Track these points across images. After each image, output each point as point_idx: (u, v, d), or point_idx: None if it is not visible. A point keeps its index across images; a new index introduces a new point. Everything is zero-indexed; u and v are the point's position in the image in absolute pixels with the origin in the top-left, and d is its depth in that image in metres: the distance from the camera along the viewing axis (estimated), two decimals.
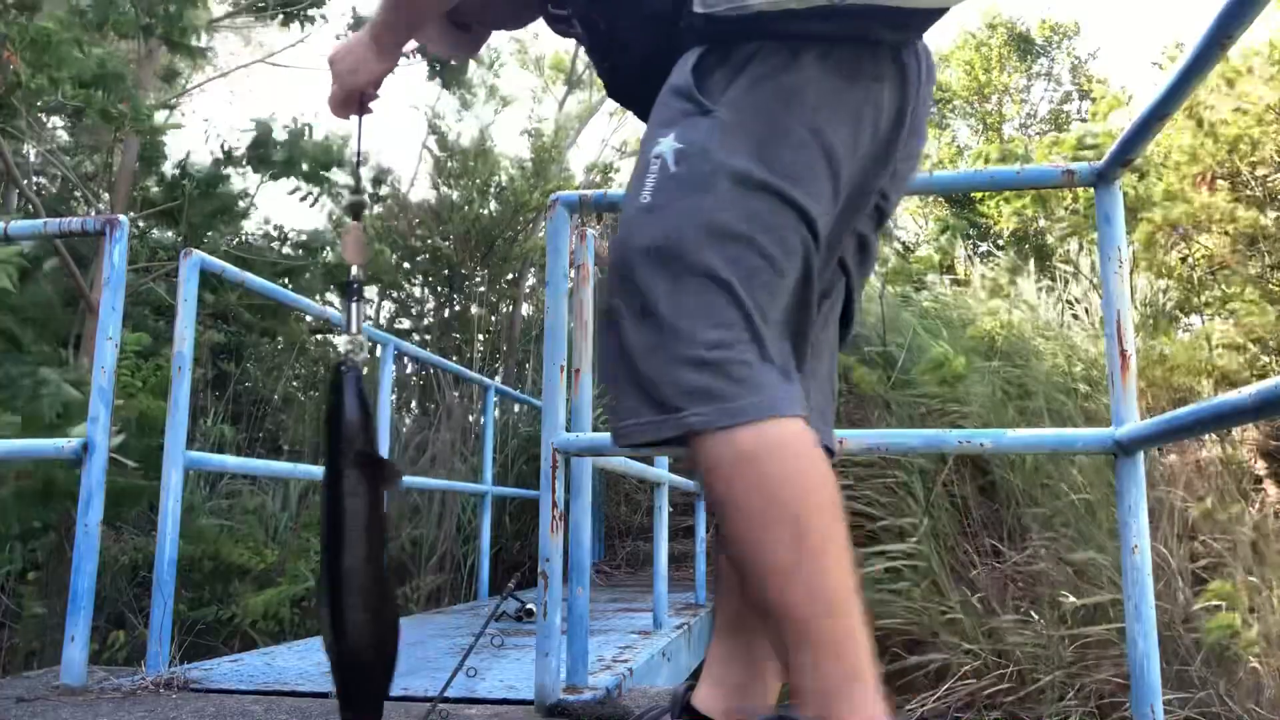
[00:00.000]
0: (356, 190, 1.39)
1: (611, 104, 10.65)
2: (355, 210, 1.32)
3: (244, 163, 5.78)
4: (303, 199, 5.94)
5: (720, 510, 0.95)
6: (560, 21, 1.27)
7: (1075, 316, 5.39)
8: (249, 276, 2.80)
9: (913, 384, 4.86)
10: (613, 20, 1.17)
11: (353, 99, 1.31)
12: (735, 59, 1.04)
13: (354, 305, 1.22)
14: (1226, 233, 5.27)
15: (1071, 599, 3.42)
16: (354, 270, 1.25)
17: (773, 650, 1.03)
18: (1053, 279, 5.86)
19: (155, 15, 4.93)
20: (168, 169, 6.01)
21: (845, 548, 0.93)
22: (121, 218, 2.30)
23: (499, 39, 10.17)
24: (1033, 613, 3.64)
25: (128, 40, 5.26)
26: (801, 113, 1.01)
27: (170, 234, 6.28)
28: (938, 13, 1.08)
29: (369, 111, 1.34)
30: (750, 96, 1.02)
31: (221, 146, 5.79)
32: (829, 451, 1.19)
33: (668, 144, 1.02)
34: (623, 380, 0.98)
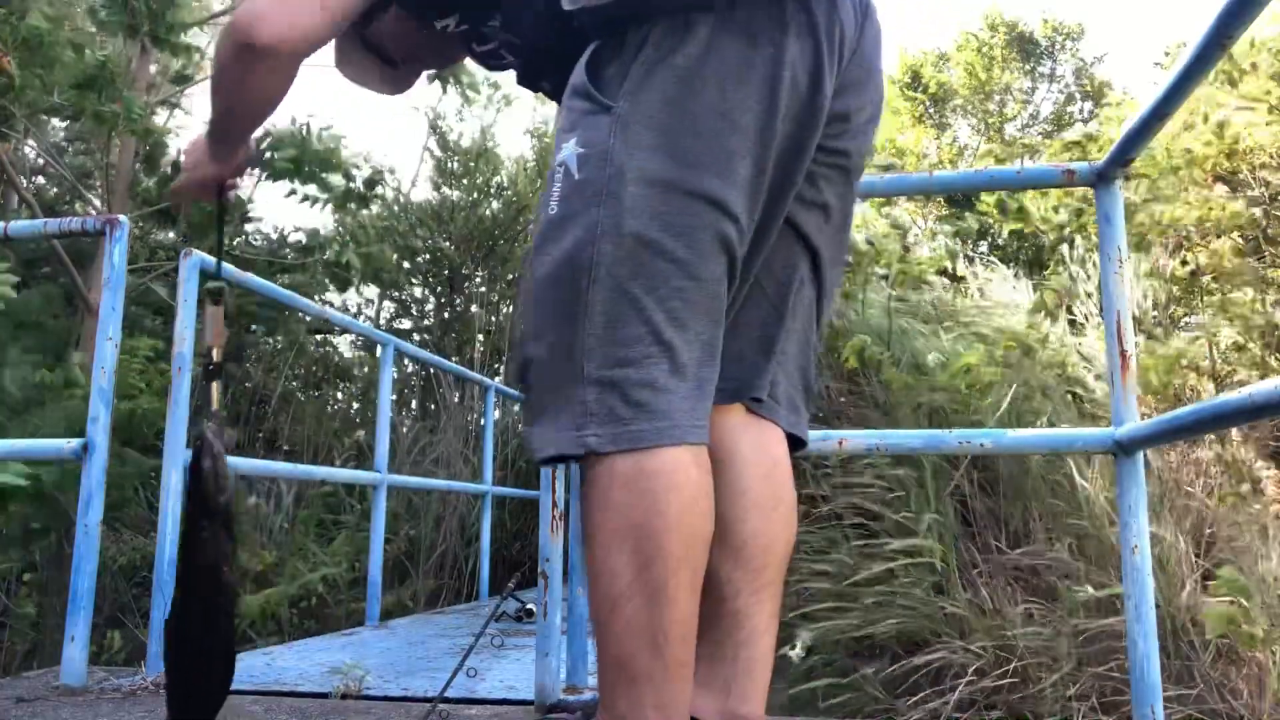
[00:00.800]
0: (217, 275, 1.50)
1: None
2: (214, 295, 1.41)
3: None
4: (302, 200, 5.94)
5: (584, 525, 0.95)
6: (489, 57, 1.25)
7: (1072, 321, 5.39)
8: (249, 277, 2.80)
9: (915, 388, 4.85)
10: (532, 39, 1.14)
11: (205, 189, 1.36)
12: (628, 47, 0.98)
13: (213, 386, 1.33)
14: (1226, 234, 5.27)
15: (1088, 589, 3.42)
16: (214, 353, 1.34)
17: (753, 642, 1.08)
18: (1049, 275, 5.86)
19: (139, 13, 4.92)
20: (167, 169, 6.01)
21: (691, 586, 0.92)
22: (122, 218, 2.30)
23: None
24: (1033, 610, 3.64)
25: (123, 40, 5.26)
26: (704, 93, 0.95)
27: (171, 234, 6.29)
28: None
29: (225, 197, 1.38)
30: (647, 86, 0.96)
31: None
32: (798, 442, 1.18)
33: (570, 149, 0.98)
34: (533, 393, 0.96)
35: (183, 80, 6.29)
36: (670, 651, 0.90)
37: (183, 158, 1.35)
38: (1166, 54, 8.34)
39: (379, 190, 6.48)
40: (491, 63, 1.27)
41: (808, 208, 1.09)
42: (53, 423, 4.35)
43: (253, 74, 1.13)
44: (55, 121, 6.47)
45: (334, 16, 1.11)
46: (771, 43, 0.96)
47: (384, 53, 1.33)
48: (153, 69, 6.25)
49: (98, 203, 6.05)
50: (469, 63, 1.49)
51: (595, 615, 0.94)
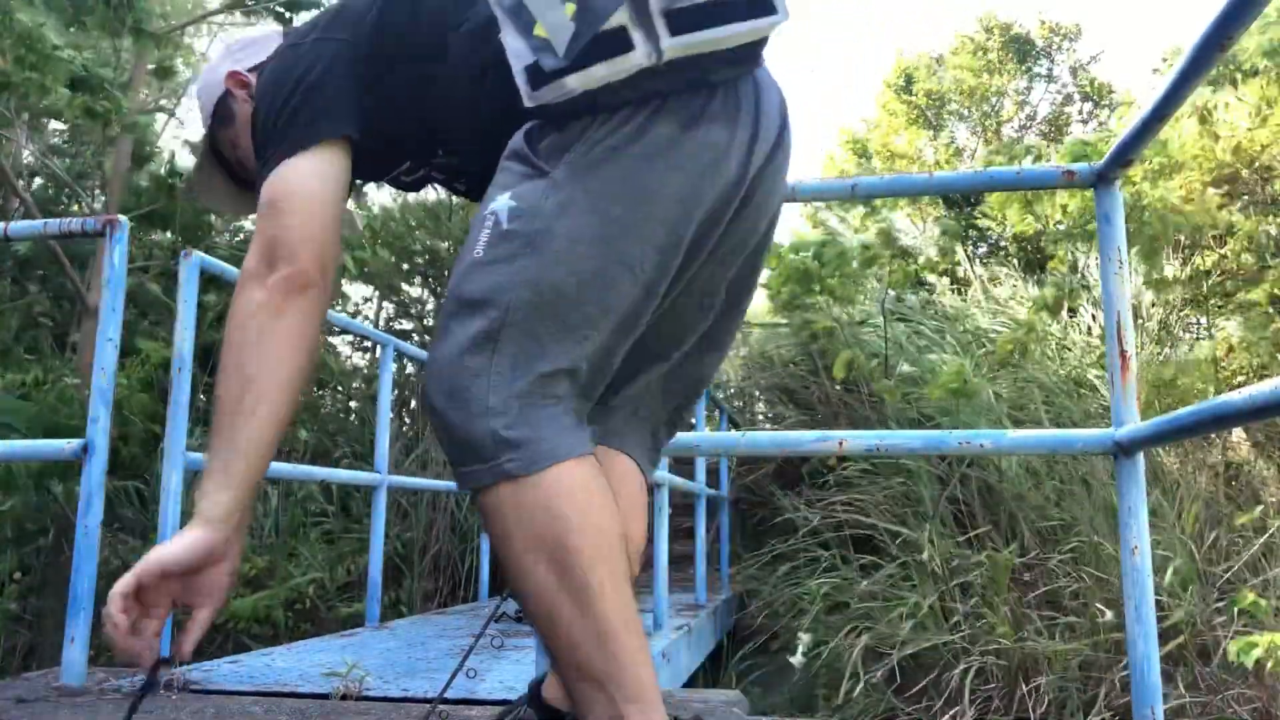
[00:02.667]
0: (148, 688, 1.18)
1: None
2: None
3: None
4: None
5: (497, 545, 1.02)
6: (415, 185, 1.30)
7: (1073, 314, 5.40)
8: None
9: (914, 396, 4.86)
10: (465, 155, 1.21)
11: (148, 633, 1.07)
12: (571, 127, 1.07)
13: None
14: (1224, 239, 5.27)
15: (1103, 610, 3.42)
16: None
17: None
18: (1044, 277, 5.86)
19: (115, 6, 4.90)
20: (160, 169, 6.00)
21: (616, 579, 0.99)
22: (122, 218, 2.30)
23: None
24: (1036, 615, 3.64)
25: (117, 39, 5.26)
26: (635, 170, 1.05)
27: (169, 234, 6.28)
28: (763, 42, 1.10)
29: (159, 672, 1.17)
30: (586, 159, 1.05)
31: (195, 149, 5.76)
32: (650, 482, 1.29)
33: (503, 202, 1.05)
34: (445, 421, 1.01)
35: (166, 74, 6.26)
36: (617, 644, 0.96)
37: (116, 617, 1.02)
38: (1164, 60, 8.35)
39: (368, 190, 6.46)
40: (417, 186, 1.32)
41: (726, 267, 1.22)
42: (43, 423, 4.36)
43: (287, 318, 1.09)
44: (56, 124, 6.47)
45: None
46: (704, 127, 1.06)
47: (235, 171, 1.33)
48: (150, 68, 6.25)
49: (97, 206, 6.05)
50: None
51: (541, 635, 1.01)
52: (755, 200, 1.16)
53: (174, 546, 1.04)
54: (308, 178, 1.11)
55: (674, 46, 1.02)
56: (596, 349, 1.06)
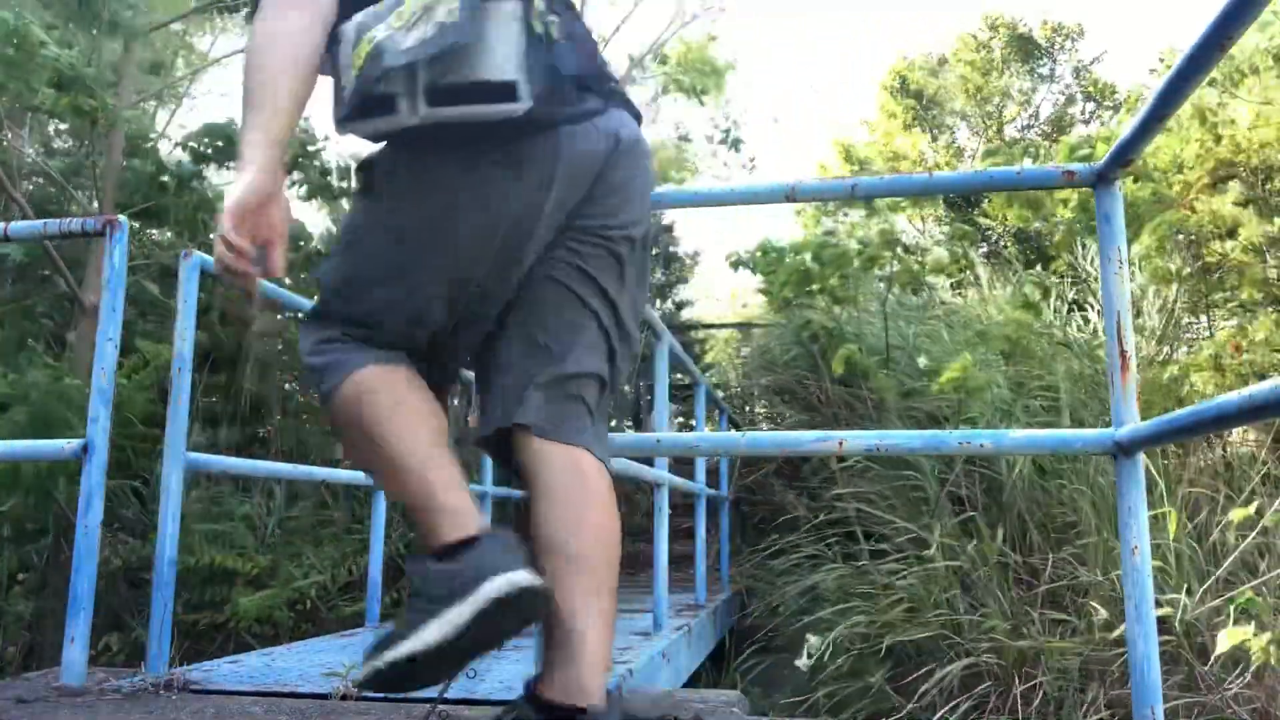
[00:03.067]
0: None
1: None
2: None
3: (209, 161, 5.73)
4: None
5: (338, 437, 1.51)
6: None
7: (1084, 317, 5.39)
8: None
9: (919, 393, 4.85)
10: None
11: (267, 225, 1.33)
12: (380, 159, 1.39)
13: None
14: (1231, 237, 5.27)
15: (1102, 612, 3.42)
16: None
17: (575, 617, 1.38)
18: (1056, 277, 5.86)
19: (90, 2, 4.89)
20: (150, 165, 5.98)
21: (406, 440, 1.33)
22: (121, 218, 2.30)
23: None
24: (1034, 613, 3.64)
25: (92, 33, 5.24)
26: (414, 199, 1.36)
27: (168, 233, 6.28)
28: (525, 118, 1.30)
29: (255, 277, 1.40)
30: (386, 185, 1.38)
31: (185, 146, 5.75)
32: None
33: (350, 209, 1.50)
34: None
35: (156, 70, 6.25)
36: (423, 480, 1.32)
37: (231, 215, 1.28)
38: (1161, 60, 8.35)
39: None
40: None
41: (545, 280, 1.44)
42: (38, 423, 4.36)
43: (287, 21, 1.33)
44: (55, 125, 6.47)
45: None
46: (478, 172, 1.33)
47: None
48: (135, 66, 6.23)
49: (93, 205, 6.04)
50: None
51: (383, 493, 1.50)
52: (571, 225, 1.41)
53: (241, 189, 1.28)
54: None
55: (429, 115, 1.26)
56: (380, 318, 1.38)
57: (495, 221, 1.35)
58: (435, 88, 1.26)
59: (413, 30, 1.26)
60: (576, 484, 1.38)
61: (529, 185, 1.34)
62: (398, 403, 1.35)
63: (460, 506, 1.32)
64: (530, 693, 1.44)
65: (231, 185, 1.34)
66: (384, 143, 1.37)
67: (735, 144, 11.28)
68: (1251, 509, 3.39)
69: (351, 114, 1.29)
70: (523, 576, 1.25)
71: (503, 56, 1.28)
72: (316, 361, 1.39)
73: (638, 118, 1.50)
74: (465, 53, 1.26)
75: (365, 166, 1.40)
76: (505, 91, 1.27)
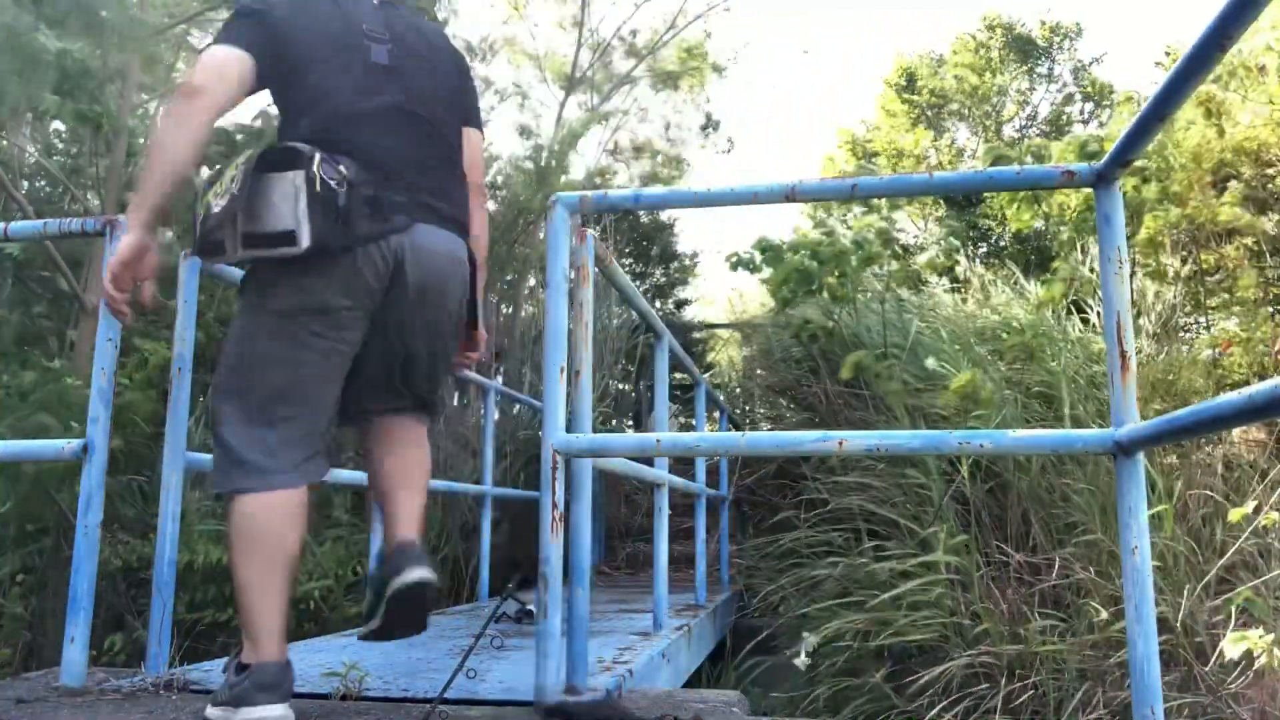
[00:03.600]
0: None
1: (610, 107, 10.65)
2: None
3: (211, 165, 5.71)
4: None
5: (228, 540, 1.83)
6: None
7: (1086, 320, 5.39)
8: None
9: (921, 392, 4.84)
10: None
11: (138, 264, 1.84)
12: (246, 278, 1.95)
13: None
14: (1233, 238, 5.26)
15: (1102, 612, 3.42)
16: None
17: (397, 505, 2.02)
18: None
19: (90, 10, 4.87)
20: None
21: (253, 566, 1.78)
22: (121, 218, 2.29)
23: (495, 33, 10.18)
24: (1034, 614, 3.64)
25: (91, 36, 5.23)
26: (264, 308, 1.87)
27: (168, 233, 6.27)
28: (310, 250, 1.75)
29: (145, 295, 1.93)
30: (245, 300, 1.92)
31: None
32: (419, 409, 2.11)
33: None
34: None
35: (151, 65, 6.23)
36: (251, 610, 1.78)
37: (113, 262, 1.83)
38: (1167, 53, 8.34)
39: None
40: None
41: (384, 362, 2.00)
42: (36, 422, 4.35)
43: (189, 113, 1.81)
44: (54, 126, 6.45)
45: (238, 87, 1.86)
46: (305, 280, 1.83)
47: None
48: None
49: (94, 204, 6.04)
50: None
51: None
52: (395, 313, 1.91)
53: (124, 248, 1.81)
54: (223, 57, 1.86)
55: (244, 255, 1.77)
56: (259, 410, 1.84)
57: (320, 321, 1.87)
58: (243, 235, 1.76)
59: (220, 199, 1.76)
60: (405, 438, 2.09)
61: (354, 291, 1.86)
62: (265, 538, 1.80)
63: (262, 637, 1.78)
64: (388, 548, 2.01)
65: (118, 243, 1.83)
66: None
67: (714, 125, 11.50)
68: (1248, 508, 3.39)
69: (200, 251, 1.83)
70: (265, 712, 1.72)
71: (284, 213, 1.73)
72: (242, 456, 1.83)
73: (454, 222, 2.00)
74: (255, 211, 1.74)
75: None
76: (287, 238, 1.73)
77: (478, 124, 2.20)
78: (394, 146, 1.89)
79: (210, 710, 1.78)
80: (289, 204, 1.72)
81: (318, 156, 1.75)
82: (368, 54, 1.93)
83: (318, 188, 1.73)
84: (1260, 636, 2.82)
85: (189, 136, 1.79)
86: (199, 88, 1.79)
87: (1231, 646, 2.86)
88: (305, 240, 1.72)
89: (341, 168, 1.79)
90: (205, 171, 1.90)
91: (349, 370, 1.92)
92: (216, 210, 1.75)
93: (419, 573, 1.85)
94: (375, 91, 1.91)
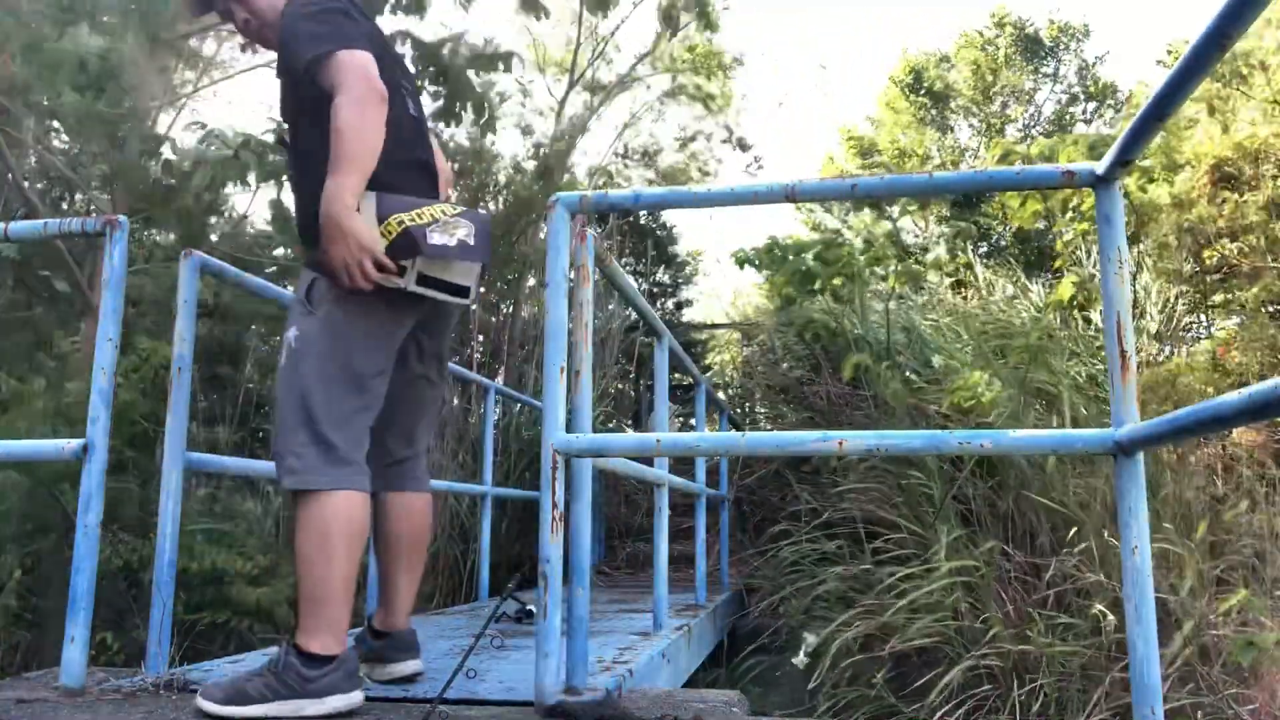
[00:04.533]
0: None
1: (611, 107, 10.64)
2: None
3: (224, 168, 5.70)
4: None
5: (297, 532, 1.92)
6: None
7: (1089, 320, 5.38)
8: (249, 277, 2.80)
9: (922, 391, 4.84)
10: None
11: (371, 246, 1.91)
12: (318, 284, 1.97)
13: None
14: (1239, 237, 5.26)
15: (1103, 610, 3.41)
16: None
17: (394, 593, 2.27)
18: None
19: (130, 8, 4.88)
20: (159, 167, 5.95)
21: (343, 563, 1.89)
22: (121, 218, 2.30)
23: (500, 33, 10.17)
24: (1037, 616, 3.63)
25: (130, 40, 5.23)
26: (362, 323, 1.97)
27: (170, 235, 6.28)
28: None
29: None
30: (335, 310, 1.95)
31: (207, 144, 5.72)
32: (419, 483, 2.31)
33: (291, 333, 1.99)
34: (278, 449, 1.97)
35: (162, 71, 6.22)
36: (334, 596, 1.88)
37: (361, 250, 1.86)
38: (1169, 52, 8.33)
39: None
40: None
41: (423, 365, 2.25)
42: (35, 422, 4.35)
43: (381, 115, 1.89)
44: (54, 125, 6.44)
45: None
46: (397, 311, 2.02)
47: None
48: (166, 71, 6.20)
49: (101, 203, 6.04)
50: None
51: (302, 573, 1.90)
52: (426, 337, 2.19)
53: (358, 230, 1.85)
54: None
55: (414, 288, 1.95)
56: (350, 416, 1.96)
57: (389, 343, 2.07)
58: (424, 276, 1.93)
59: (437, 234, 1.89)
60: (416, 509, 2.32)
61: (404, 329, 2.11)
62: (344, 531, 1.90)
63: (341, 629, 1.89)
64: (369, 625, 2.27)
65: (354, 224, 1.84)
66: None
67: (742, 144, 11.31)
68: (1243, 506, 3.39)
69: (386, 265, 1.88)
70: (354, 699, 1.86)
71: (471, 272, 2.02)
72: (300, 465, 1.93)
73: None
74: (476, 258, 1.99)
75: (309, 290, 2.02)
76: (464, 291, 2.03)
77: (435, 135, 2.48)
78: (432, 199, 2.06)
79: (267, 708, 1.80)
80: (471, 262, 2.00)
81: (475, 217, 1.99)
82: (408, 105, 2.12)
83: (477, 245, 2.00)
84: (1269, 637, 2.81)
85: (380, 135, 1.89)
86: (384, 92, 1.89)
87: (1241, 653, 2.85)
88: (474, 295, 2.04)
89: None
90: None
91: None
92: (435, 243, 1.88)
93: (413, 666, 2.21)
94: (415, 145, 2.12)
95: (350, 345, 1.95)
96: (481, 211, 2.00)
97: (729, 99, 10.82)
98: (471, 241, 1.93)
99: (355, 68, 1.85)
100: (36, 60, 4.36)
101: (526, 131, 8.97)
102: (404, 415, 2.22)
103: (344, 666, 1.85)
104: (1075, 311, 5.27)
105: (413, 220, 1.88)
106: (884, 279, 5.98)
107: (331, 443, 1.90)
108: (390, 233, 1.87)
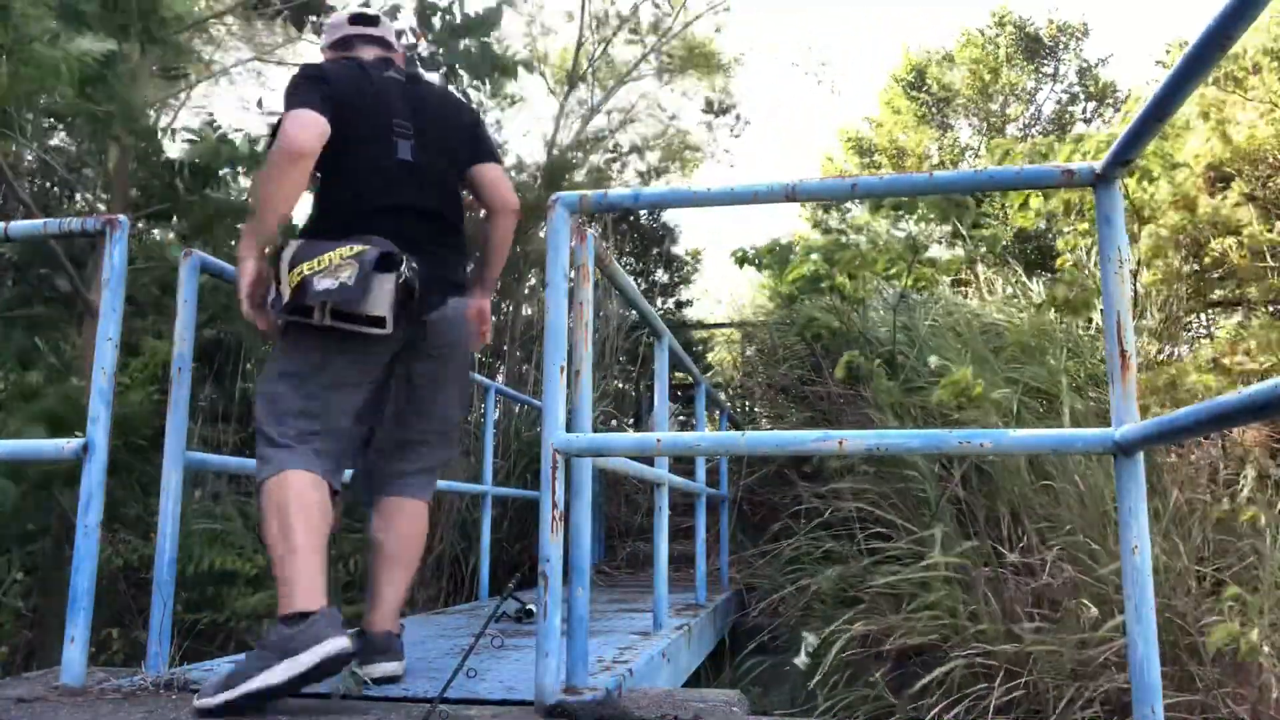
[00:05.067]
0: None
1: (616, 104, 10.64)
2: None
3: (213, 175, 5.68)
4: None
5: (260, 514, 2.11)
6: None
7: (1089, 320, 5.38)
8: None
9: (923, 390, 4.84)
10: None
11: (259, 288, 2.21)
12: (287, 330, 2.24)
13: None
14: (1238, 239, 5.26)
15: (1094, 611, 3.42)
16: None
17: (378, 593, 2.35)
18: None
19: (128, 11, 4.86)
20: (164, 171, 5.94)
21: (298, 532, 2.02)
22: (121, 218, 2.30)
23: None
24: (1035, 615, 3.64)
25: (118, 41, 5.22)
26: (297, 349, 2.22)
27: (170, 234, 6.27)
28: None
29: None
30: (280, 339, 2.26)
31: (204, 136, 5.70)
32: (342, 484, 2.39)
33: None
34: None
35: (169, 73, 6.22)
36: (288, 565, 2.00)
37: (244, 290, 2.20)
38: (1168, 52, 8.33)
39: None
40: None
41: (400, 381, 2.40)
42: (37, 422, 4.34)
43: (293, 172, 2.12)
44: (50, 123, 6.44)
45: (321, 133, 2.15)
46: (321, 342, 2.20)
47: None
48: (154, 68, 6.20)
49: (100, 206, 6.04)
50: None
51: (271, 559, 2.07)
52: (415, 359, 2.35)
53: (249, 276, 2.18)
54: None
55: (329, 322, 2.11)
56: (276, 418, 2.18)
57: (346, 360, 2.26)
58: (336, 311, 2.09)
59: (324, 278, 2.06)
60: (405, 514, 2.42)
61: (386, 346, 2.27)
62: (292, 507, 2.06)
63: (313, 590, 1.98)
64: (359, 629, 2.32)
65: (239, 271, 2.18)
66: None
67: (726, 110, 11.34)
68: (1245, 506, 3.39)
69: (291, 310, 2.11)
70: (341, 643, 1.90)
71: (380, 302, 2.10)
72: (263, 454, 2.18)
73: (460, 287, 2.41)
74: (356, 298, 2.08)
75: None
76: (379, 321, 2.11)
77: (494, 159, 2.52)
78: (415, 238, 2.24)
79: (262, 678, 1.85)
80: (386, 297, 2.11)
81: (405, 261, 2.14)
82: (395, 150, 2.28)
83: (402, 282, 2.13)
84: (1241, 628, 2.82)
85: (294, 192, 2.14)
86: (302, 150, 2.09)
87: (1217, 636, 2.87)
88: (391, 326, 2.12)
89: (414, 264, 2.17)
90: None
91: (371, 425, 2.38)
92: (319, 289, 2.07)
93: (387, 669, 2.25)
94: (400, 190, 2.28)
95: (286, 364, 2.22)
96: (378, 250, 2.12)
97: (722, 71, 10.83)
98: (351, 283, 2.08)
99: (283, 129, 2.10)
100: (31, 62, 4.34)
101: (526, 133, 8.99)
102: (397, 430, 2.40)
103: (325, 618, 1.92)
104: (1068, 313, 5.27)
105: (310, 268, 2.08)
106: (889, 278, 5.98)
107: (270, 436, 2.14)
108: (294, 281, 2.09)
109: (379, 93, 2.31)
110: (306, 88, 2.18)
